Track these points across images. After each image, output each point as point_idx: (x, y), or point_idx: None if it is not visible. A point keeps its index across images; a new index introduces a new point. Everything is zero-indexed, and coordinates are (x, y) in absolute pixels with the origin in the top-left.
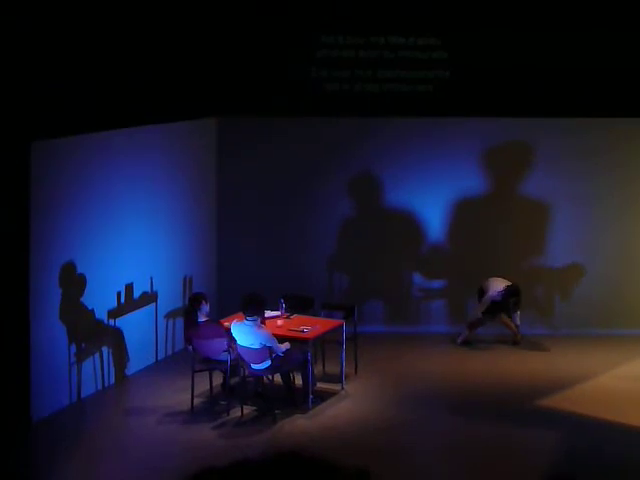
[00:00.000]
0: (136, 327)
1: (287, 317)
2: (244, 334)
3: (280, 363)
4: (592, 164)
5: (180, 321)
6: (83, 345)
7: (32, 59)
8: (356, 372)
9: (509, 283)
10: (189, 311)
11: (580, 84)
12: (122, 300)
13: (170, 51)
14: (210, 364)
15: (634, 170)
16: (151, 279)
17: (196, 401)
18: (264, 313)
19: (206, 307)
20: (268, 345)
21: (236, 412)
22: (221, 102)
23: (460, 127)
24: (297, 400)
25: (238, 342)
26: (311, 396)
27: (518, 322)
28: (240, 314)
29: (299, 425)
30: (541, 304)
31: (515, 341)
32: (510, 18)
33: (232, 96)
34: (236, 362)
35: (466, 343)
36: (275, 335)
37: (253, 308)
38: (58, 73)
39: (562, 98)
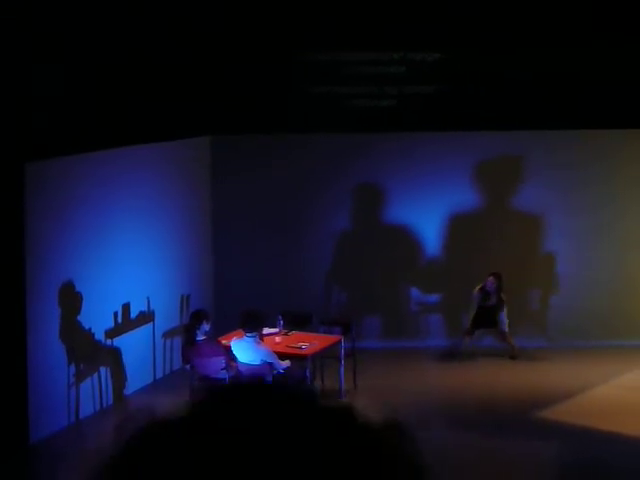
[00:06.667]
0: (134, 346)
1: (285, 334)
2: (244, 351)
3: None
4: (584, 175)
5: (178, 340)
6: (81, 365)
7: (27, 79)
8: (355, 387)
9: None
10: (189, 328)
11: (570, 96)
12: (119, 320)
13: (164, 69)
14: (208, 382)
15: (625, 180)
16: (148, 298)
17: None
18: (262, 329)
19: (206, 326)
20: (269, 361)
21: None
22: (215, 120)
23: (453, 141)
24: None
25: (239, 359)
26: None
27: (507, 333)
28: (239, 331)
29: None
30: (536, 316)
31: (512, 355)
32: (503, 32)
33: (226, 114)
34: (234, 380)
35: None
36: (273, 352)
37: (252, 324)
38: (52, 93)
39: (552, 111)
